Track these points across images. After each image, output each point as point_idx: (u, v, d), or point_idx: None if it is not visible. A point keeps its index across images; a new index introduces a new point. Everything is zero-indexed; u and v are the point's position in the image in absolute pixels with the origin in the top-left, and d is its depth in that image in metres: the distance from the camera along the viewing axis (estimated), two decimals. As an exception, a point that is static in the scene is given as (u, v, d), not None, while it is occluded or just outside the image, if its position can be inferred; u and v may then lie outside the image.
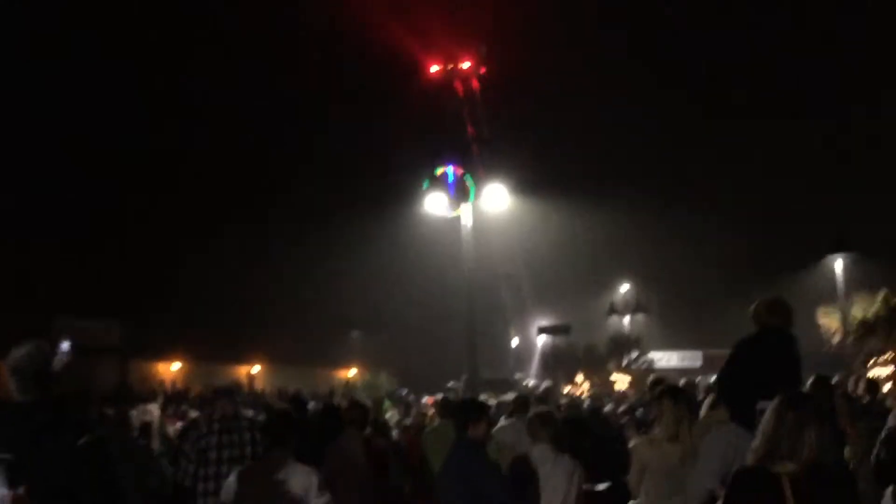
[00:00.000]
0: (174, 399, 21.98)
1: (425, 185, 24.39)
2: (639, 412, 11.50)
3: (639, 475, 6.01)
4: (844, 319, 29.27)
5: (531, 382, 37.46)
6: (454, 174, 23.87)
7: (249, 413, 11.02)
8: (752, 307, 5.79)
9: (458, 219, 25.25)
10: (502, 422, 9.26)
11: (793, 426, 3.55)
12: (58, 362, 4.01)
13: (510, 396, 12.12)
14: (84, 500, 3.26)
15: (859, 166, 43.15)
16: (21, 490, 2.65)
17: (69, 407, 3.98)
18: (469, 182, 23.38)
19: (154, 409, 11.45)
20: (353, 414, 8.31)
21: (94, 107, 36.96)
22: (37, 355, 3.93)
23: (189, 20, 41.97)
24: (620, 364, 42.19)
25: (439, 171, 24.58)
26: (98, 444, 3.57)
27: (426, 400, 18.39)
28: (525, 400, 10.09)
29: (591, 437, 8.98)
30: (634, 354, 43.21)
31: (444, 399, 10.68)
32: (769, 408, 3.71)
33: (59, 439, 3.44)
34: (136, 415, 10.76)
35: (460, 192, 23.38)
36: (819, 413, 3.68)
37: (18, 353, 3.90)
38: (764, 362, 5.45)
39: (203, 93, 42.58)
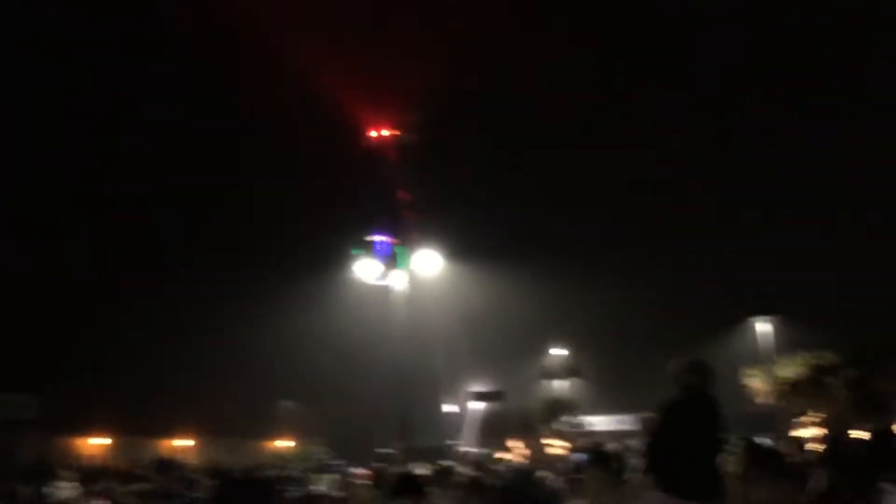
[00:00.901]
0: (93, 476, 21.10)
1: (354, 251, 24.38)
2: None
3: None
4: (770, 380, 29.89)
5: (464, 449, 37.17)
6: (384, 242, 23.93)
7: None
8: (671, 367, 5.78)
9: (388, 286, 25.23)
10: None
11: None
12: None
13: (447, 464, 12.03)
14: None
15: (781, 230, 44.67)
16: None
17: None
18: (399, 250, 23.46)
19: (68, 486, 10.98)
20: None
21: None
22: None
23: (127, 74, 41.61)
24: (554, 428, 42.19)
25: (369, 238, 24.63)
26: None
27: (358, 471, 18.05)
28: (448, 468, 10.04)
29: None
30: (568, 418, 43.29)
31: (377, 469, 10.51)
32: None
33: None
34: (50, 492, 10.32)
35: (391, 260, 23.42)
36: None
37: None
38: (688, 427, 5.48)
39: (130, 152, 41.96)
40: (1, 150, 36.46)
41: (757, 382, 31.41)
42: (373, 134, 32.99)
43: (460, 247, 33.05)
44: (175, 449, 40.00)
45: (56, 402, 32.81)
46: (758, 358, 32.62)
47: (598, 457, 6.37)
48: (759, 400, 31.35)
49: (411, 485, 6.43)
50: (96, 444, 37.95)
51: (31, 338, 34.41)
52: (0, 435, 25.94)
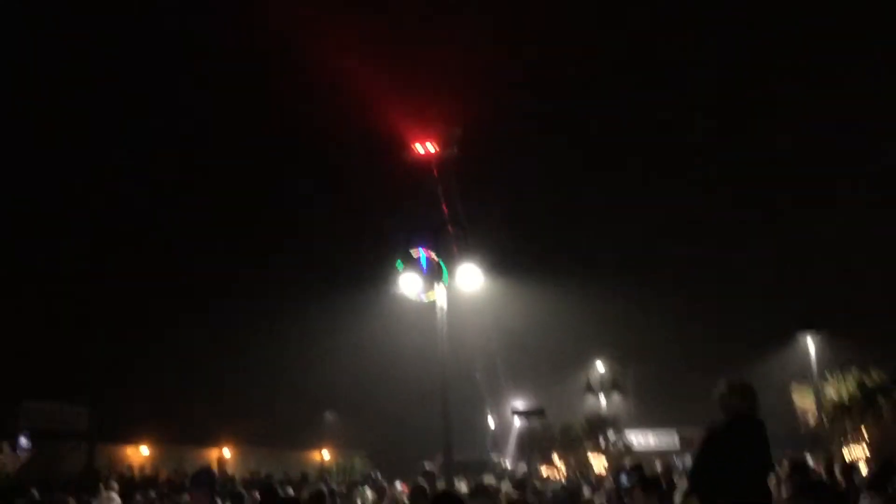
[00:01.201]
0: (142, 485, 21.43)
1: (398, 265, 24.44)
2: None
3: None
4: (818, 399, 29.32)
5: (507, 464, 37.01)
6: (427, 257, 23.93)
7: None
8: (717, 390, 5.70)
9: (432, 301, 25.23)
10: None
11: None
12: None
13: (487, 482, 12.00)
14: None
15: (830, 246, 43.91)
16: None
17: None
18: (442, 265, 23.45)
19: (113, 496, 11.15)
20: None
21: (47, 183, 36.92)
22: None
23: (165, 98, 42.33)
24: (597, 444, 41.84)
25: (411, 253, 24.67)
26: None
27: (400, 485, 18.08)
28: (487, 487, 10.03)
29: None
30: (611, 434, 42.90)
31: (417, 487, 10.50)
32: None
33: None
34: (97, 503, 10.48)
35: (433, 275, 23.39)
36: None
37: None
38: (735, 452, 5.41)
39: (173, 170, 42.69)
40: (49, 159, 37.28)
41: (805, 401, 30.85)
42: (416, 148, 33.07)
43: (502, 261, 33.01)
44: (216, 458, 40.44)
45: (104, 412, 33.41)
46: (807, 374, 32.04)
47: (645, 479, 6.32)
48: (808, 418, 30.78)
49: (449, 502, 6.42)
50: (141, 453, 38.52)
51: (85, 351, 35.09)
52: (51, 444, 26.43)
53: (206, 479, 7.65)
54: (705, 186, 46.95)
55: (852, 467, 10.52)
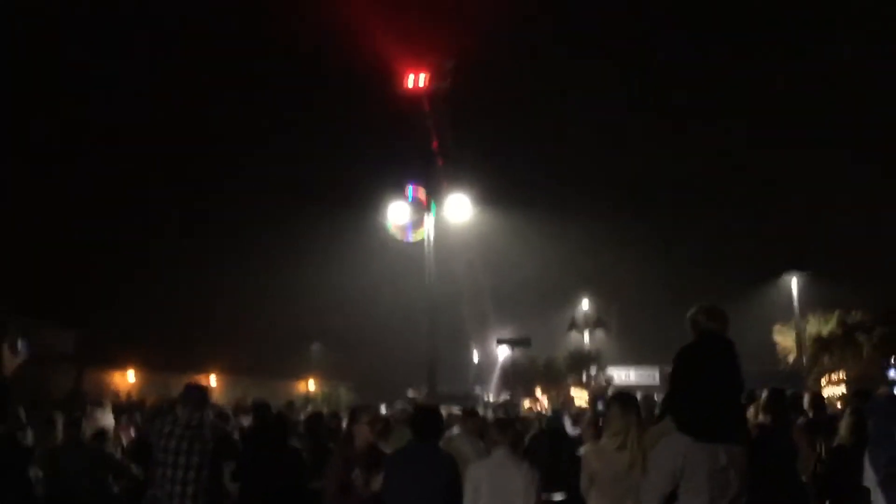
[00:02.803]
0: (128, 409, 21.58)
1: (387, 197, 24.29)
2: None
3: (588, 482, 6.04)
4: (799, 337, 29.68)
5: (491, 397, 37.50)
6: (415, 188, 23.81)
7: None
8: (690, 313, 5.78)
9: (419, 231, 25.23)
10: (455, 430, 9.22)
11: None
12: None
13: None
14: None
15: (816, 186, 43.97)
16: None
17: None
18: (430, 196, 23.36)
19: (106, 416, 11.25)
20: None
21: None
22: None
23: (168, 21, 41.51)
24: (580, 379, 42.39)
25: (400, 184, 24.56)
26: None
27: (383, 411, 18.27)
28: (473, 410, 10.17)
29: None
30: (593, 370, 43.45)
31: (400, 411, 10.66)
32: None
33: None
34: (87, 422, 10.56)
35: (421, 206, 23.30)
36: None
37: None
38: (707, 369, 5.48)
39: (164, 99, 42.10)
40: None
41: (787, 339, 31.23)
42: (408, 80, 32.62)
43: (491, 193, 32.98)
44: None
45: (90, 336, 33.56)
46: (789, 314, 32.36)
47: (621, 396, 6.41)
48: (789, 356, 31.21)
49: (433, 420, 6.62)
50: (128, 378, 38.80)
51: (68, 271, 35.08)
52: (38, 366, 26.55)
53: (197, 393, 7.67)
54: (699, 118, 46.79)
55: (822, 399, 10.67)
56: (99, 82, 38.00)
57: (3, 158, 33.66)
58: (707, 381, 5.42)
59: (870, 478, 5.71)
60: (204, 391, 7.87)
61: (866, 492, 5.79)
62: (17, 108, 34.96)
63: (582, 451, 6.39)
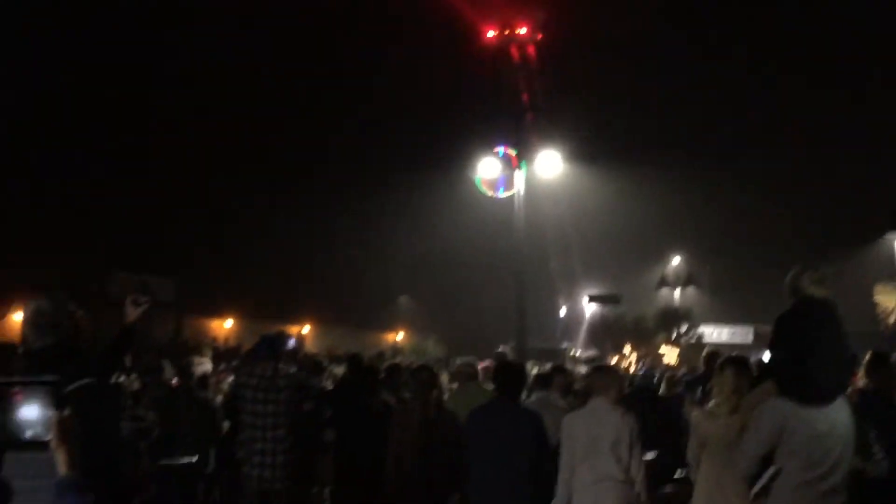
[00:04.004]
0: (226, 356, 22.41)
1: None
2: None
3: (699, 449, 5.95)
4: (903, 297, 28.57)
5: (579, 352, 37.46)
6: (505, 144, 23.67)
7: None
8: (791, 275, 5.59)
9: (509, 188, 25.14)
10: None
11: None
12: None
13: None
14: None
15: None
16: (67, 412, 2.78)
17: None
18: (520, 152, 23.18)
19: (206, 362, 11.68)
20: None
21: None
22: (50, 306, 4.18)
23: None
24: (669, 337, 41.87)
25: (490, 141, 24.43)
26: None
27: (478, 364, 18.42)
28: (562, 366, 10.19)
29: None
30: (684, 328, 42.84)
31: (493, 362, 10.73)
32: None
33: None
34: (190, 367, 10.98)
35: (510, 163, 23.17)
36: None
37: (34, 304, 4.14)
38: (811, 334, 5.34)
39: (250, 58, 42.67)
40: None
41: (889, 299, 30.08)
42: (491, 33, 32.24)
43: (582, 148, 32.56)
44: (296, 334, 41.89)
45: (189, 285, 34.80)
46: (892, 273, 31.15)
47: (735, 360, 6.30)
48: (891, 318, 30.07)
49: (512, 375, 6.69)
50: (225, 326, 40.22)
51: (173, 225, 36.26)
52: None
53: (269, 346, 7.97)
54: (795, 69, 44.97)
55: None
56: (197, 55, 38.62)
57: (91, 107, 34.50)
58: (811, 347, 5.28)
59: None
60: (277, 343, 8.14)
61: None
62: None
63: (692, 415, 6.28)
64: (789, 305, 5.53)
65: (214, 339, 36.05)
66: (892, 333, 28.34)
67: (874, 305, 30.74)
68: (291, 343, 10.44)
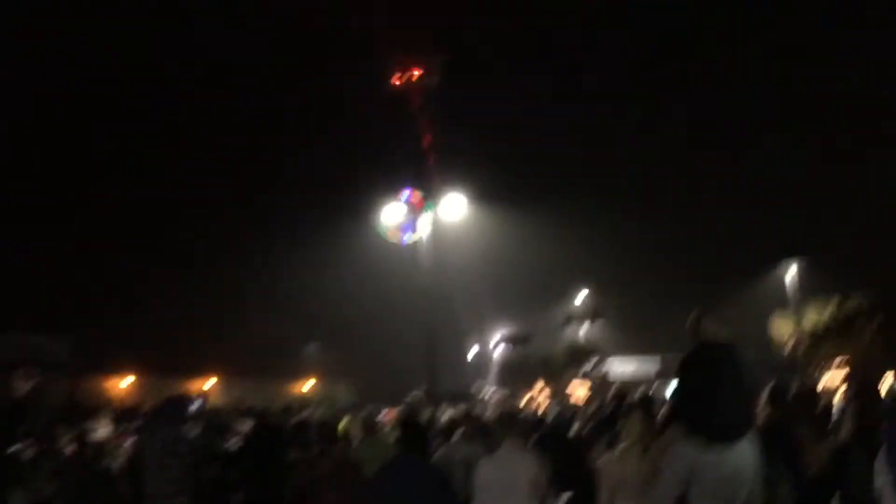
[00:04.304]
0: (125, 416, 21.46)
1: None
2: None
3: (611, 492, 5.91)
4: (798, 326, 29.60)
5: (490, 393, 37.44)
6: (409, 186, 23.70)
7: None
8: (692, 318, 5.67)
9: (414, 230, 25.10)
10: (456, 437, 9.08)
11: None
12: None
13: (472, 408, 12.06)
14: None
15: (811, 174, 43.90)
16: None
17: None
18: (425, 194, 23.24)
19: (105, 427, 11.15)
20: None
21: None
22: None
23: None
24: (578, 372, 42.28)
25: (395, 182, 24.45)
26: None
27: (385, 413, 18.15)
28: (471, 412, 10.10)
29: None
30: (593, 362, 43.32)
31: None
32: None
33: None
34: (87, 432, 10.46)
35: (415, 205, 23.19)
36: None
37: None
38: (715, 375, 5.40)
39: (157, 109, 41.91)
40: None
41: (784, 328, 31.17)
42: (397, 77, 32.47)
43: (485, 190, 32.85)
44: (201, 389, 40.59)
45: (85, 343, 33.41)
46: (786, 302, 32.32)
47: (643, 403, 6.32)
48: (787, 346, 31.14)
49: (415, 432, 6.59)
50: (124, 384, 38.68)
51: (68, 281, 34.92)
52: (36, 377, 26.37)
53: (171, 410, 7.69)
54: (691, 111, 46.73)
55: (815, 393, 10.53)
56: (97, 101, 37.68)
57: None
58: (714, 388, 5.34)
59: (883, 481, 5.62)
60: (180, 406, 7.92)
61: (875, 494, 5.69)
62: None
63: (602, 461, 6.24)
64: (692, 347, 5.59)
65: (113, 401, 34.60)
66: (790, 362, 29.35)
67: (771, 334, 31.85)
68: (196, 405, 10.09)
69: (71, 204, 36.71)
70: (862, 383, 9.79)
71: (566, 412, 14.48)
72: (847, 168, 40.55)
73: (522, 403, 27.47)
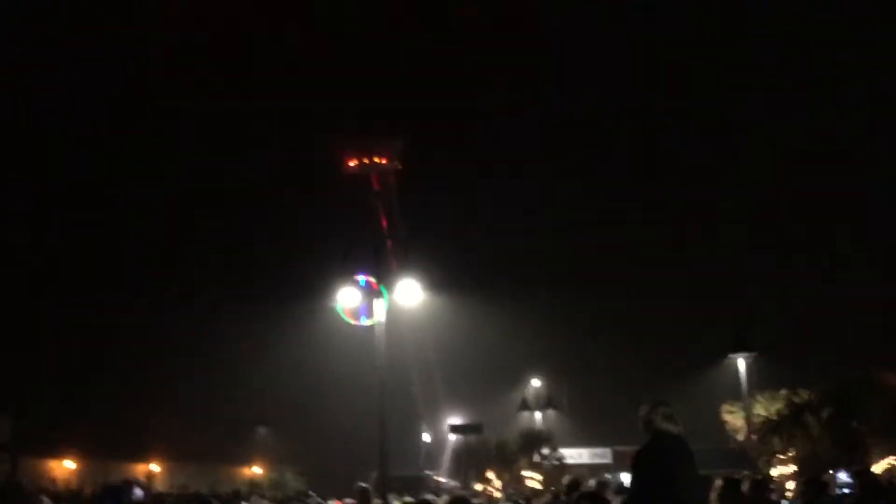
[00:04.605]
0: (67, 500, 20.80)
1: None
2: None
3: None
4: (748, 417, 29.85)
5: (442, 480, 36.94)
6: (364, 272, 23.72)
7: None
8: (644, 411, 5.79)
9: (368, 317, 25.04)
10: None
11: None
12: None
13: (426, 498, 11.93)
14: None
15: (760, 267, 45.03)
16: None
17: None
18: (380, 280, 23.27)
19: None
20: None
21: None
22: None
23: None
24: (531, 460, 41.91)
25: (349, 268, 24.51)
26: None
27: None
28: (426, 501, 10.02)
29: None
30: (545, 451, 43.00)
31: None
32: None
33: None
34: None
35: (370, 291, 23.18)
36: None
37: None
38: (668, 470, 5.50)
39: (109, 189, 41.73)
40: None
41: (735, 418, 31.40)
42: (352, 163, 32.96)
43: (441, 277, 33.04)
44: (145, 473, 39.35)
45: (26, 424, 32.35)
46: (737, 394, 32.64)
47: (591, 497, 6.36)
48: (737, 437, 31.32)
49: None
50: (66, 467, 37.36)
51: (9, 360, 33.98)
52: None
53: (110, 499, 7.53)
54: (636, 204, 47.84)
55: (765, 483, 10.67)
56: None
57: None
58: (671, 476, 5.44)
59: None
60: (122, 495, 7.76)
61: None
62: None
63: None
64: (647, 439, 5.71)
65: (54, 481, 33.43)
66: (741, 452, 29.49)
67: (722, 423, 32.07)
68: (138, 494, 9.81)
69: (11, 287, 35.89)
70: (808, 480, 10.00)
71: (520, 500, 14.39)
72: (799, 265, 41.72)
73: (477, 491, 27.23)
